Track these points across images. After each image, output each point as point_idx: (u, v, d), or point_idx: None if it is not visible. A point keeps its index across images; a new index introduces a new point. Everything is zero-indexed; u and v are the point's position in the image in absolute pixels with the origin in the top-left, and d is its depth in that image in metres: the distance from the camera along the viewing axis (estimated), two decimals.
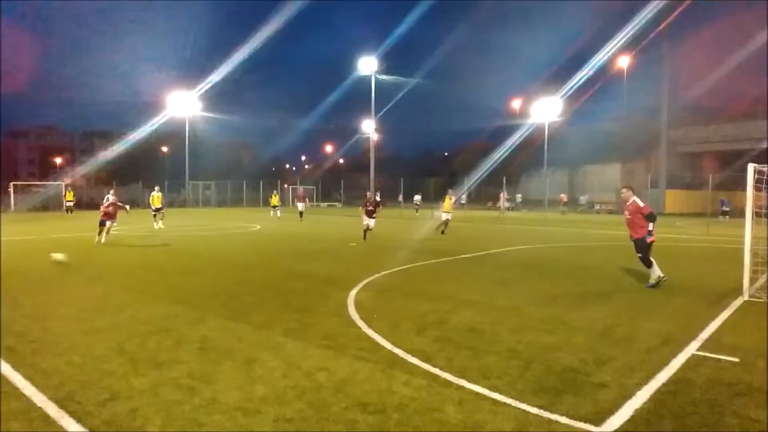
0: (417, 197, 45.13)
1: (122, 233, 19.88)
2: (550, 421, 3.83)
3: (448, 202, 20.18)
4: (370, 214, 17.35)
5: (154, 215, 22.32)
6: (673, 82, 48.52)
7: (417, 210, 41.09)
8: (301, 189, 32.45)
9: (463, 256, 13.47)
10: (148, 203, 23.30)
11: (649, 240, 9.01)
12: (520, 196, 51.21)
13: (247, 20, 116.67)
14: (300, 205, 30.82)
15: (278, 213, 31.73)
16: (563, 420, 3.84)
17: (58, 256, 10.99)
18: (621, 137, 49.83)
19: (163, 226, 21.75)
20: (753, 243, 8.12)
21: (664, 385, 4.52)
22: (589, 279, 10.20)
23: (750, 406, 4.11)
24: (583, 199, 47.66)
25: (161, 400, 4.15)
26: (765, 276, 8.53)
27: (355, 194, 62.82)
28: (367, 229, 17.30)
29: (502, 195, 39.55)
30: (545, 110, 48.12)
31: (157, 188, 23.15)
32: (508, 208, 39.71)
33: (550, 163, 50.03)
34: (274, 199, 33.05)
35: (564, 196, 42.62)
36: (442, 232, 19.35)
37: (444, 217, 19.88)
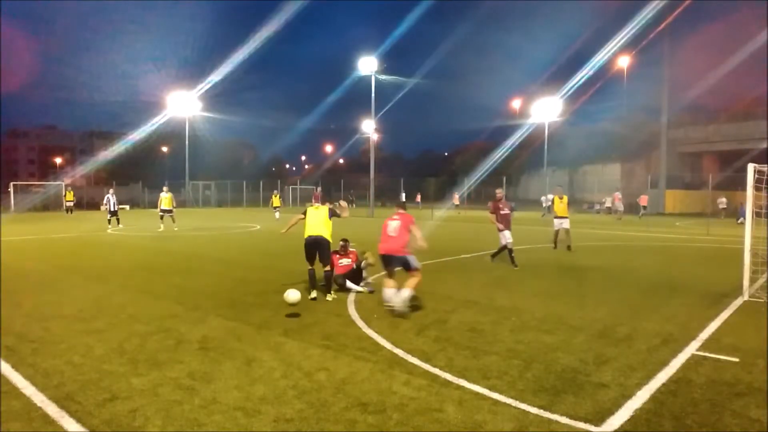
0: (546, 197, 35.75)
1: (123, 234, 19.90)
2: (550, 421, 3.83)
3: (559, 203, 15.02)
4: (507, 222, 11.80)
5: (161, 216, 21.26)
6: (673, 82, 48.53)
7: (543, 214, 34.37)
8: (318, 189, 30.88)
9: (463, 256, 13.47)
10: (158, 205, 22.06)
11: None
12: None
13: (247, 20, 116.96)
14: None
15: (277, 215, 29.88)
16: (563, 420, 3.84)
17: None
18: (621, 137, 49.83)
19: (176, 228, 21.11)
20: (753, 243, 8.12)
21: (664, 385, 4.53)
22: (589, 279, 10.19)
23: (750, 406, 4.11)
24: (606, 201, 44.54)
25: (161, 400, 4.15)
26: (765, 276, 8.53)
27: (357, 194, 62.64)
28: (504, 249, 11.79)
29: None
30: (545, 110, 48.18)
31: (165, 188, 21.97)
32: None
33: (550, 163, 50.13)
34: (276, 200, 30.91)
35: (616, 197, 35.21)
36: (568, 247, 14.58)
37: (557, 224, 14.92)
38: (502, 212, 11.78)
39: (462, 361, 5.12)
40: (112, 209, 23.11)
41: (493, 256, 12.14)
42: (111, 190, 24.06)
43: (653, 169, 47.88)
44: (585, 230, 22.27)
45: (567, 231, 14.71)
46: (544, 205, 38.35)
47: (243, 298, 8.03)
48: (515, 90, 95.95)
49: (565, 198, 15.13)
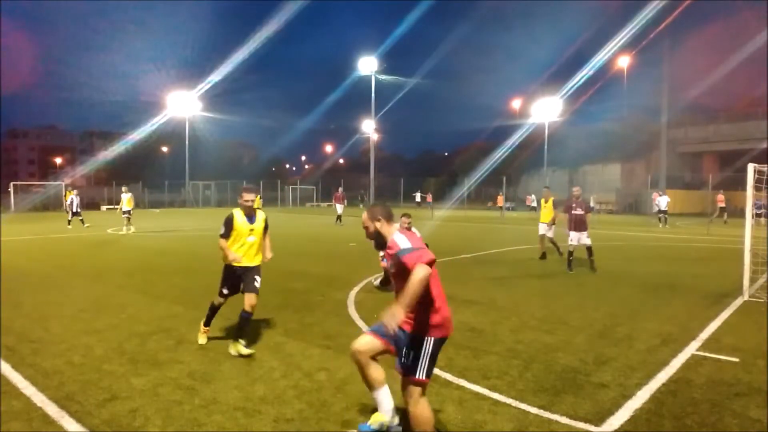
0: (662, 199, 27.56)
1: (122, 234, 19.89)
2: (550, 421, 3.83)
3: (543, 207, 12.98)
4: (578, 223, 10.91)
5: (127, 218, 20.51)
6: (673, 82, 48.55)
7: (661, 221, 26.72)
8: (340, 189, 28.88)
9: (463, 256, 13.47)
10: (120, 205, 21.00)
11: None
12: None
13: (247, 20, 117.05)
14: (339, 207, 26.58)
15: None
16: (563, 420, 3.84)
17: None
18: (621, 137, 49.83)
19: (133, 230, 20.22)
20: (753, 243, 8.13)
21: (664, 385, 4.53)
22: (589, 279, 10.19)
23: (750, 406, 4.11)
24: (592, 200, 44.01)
25: (161, 400, 4.15)
26: (765, 276, 8.53)
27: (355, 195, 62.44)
28: (571, 254, 11.00)
29: (500, 197, 39.09)
30: (545, 110, 48.22)
31: (125, 189, 21.04)
32: (507, 209, 39.40)
33: (550, 163, 50.15)
34: (256, 202, 28.37)
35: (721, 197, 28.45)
36: (543, 255, 12.78)
37: (541, 230, 12.81)
38: (574, 212, 10.92)
39: (462, 361, 5.12)
40: (74, 210, 22.76)
41: (569, 265, 11.02)
42: (75, 191, 23.85)
43: (653, 169, 47.88)
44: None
45: (549, 239, 12.80)
46: (533, 204, 37.94)
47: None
48: (515, 90, 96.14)
49: (551, 200, 12.91)
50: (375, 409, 3.56)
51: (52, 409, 3.97)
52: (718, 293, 8.51)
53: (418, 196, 48.30)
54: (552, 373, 4.80)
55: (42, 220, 28.89)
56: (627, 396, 4.27)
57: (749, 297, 7.95)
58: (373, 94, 39.57)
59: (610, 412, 3.97)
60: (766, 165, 8.48)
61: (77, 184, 56.34)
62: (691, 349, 5.54)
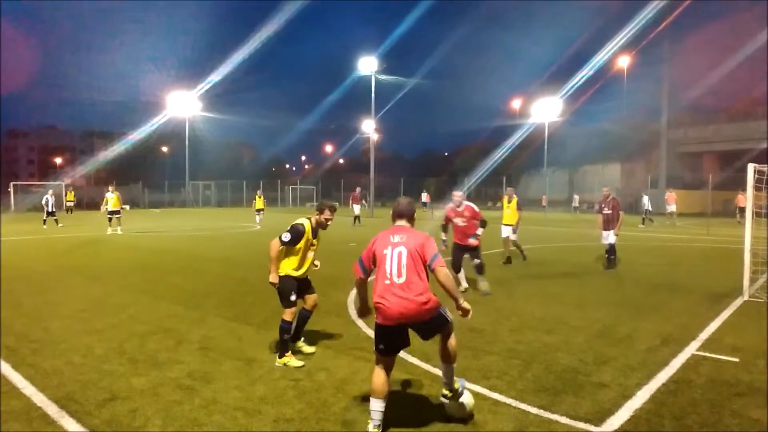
0: (645, 198, 27.83)
1: (120, 234, 19.88)
2: (550, 421, 3.83)
3: (506, 207, 12.44)
4: (605, 223, 11.24)
5: (110, 219, 19.81)
6: (673, 82, 48.54)
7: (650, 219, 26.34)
8: (357, 189, 25.80)
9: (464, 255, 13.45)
10: (104, 205, 20.32)
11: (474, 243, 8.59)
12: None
13: (247, 20, 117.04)
14: (356, 208, 25.15)
15: (258, 219, 24.95)
16: (563, 420, 3.84)
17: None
18: (621, 137, 49.82)
19: (120, 231, 19.68)
20: (753, 243, 8.13)
21: (664, 385, 4.53)
22: (589, 279, 10.19)
23: (750, 406, 4.11)
24: (575, 200, 44.33)
25: (161, 400, 4.15)
26: (765, 276, 8.53)
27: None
28: (611, 252, 11.12)
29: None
30: (545, 110, 48.17)
31: (111, 188, 20.15)
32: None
33: (550, 164, 50.08)
34: (259, 202, 25.37)
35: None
36: (508, 259, 12.03)
37: (503, 232, 12.26)
38: (603, 212, 11.30)
39: (462, 361, 5.10)
40: (50, 210, 22.67)
41: (609, 264, 11.27)
42: (51, 191, 23.83)
43: (653, 169, 47.88)
44: (585, 230, 22.26)
45: (513, 242, 12.30)
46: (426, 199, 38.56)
47: (243, 298, 8.03)
48: (515, 90, 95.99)
49: (515, 201, 12.27)
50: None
51: (52, 409, 3.97)
52: (718, 293, 8.51)
53: (424, 196, 47.46)
54: (552, 373, 4.80)
55: (42, 220, 28.86)
56: (627, 396, 4.27)
57: (749, 297, 7.95)
58: (373, 94, 39.45)
59: (610, 412, 3.97)
60: (766, 165, 8.48)
61: (77, 184, 56.40)
62: (691, 349, 5.54)
